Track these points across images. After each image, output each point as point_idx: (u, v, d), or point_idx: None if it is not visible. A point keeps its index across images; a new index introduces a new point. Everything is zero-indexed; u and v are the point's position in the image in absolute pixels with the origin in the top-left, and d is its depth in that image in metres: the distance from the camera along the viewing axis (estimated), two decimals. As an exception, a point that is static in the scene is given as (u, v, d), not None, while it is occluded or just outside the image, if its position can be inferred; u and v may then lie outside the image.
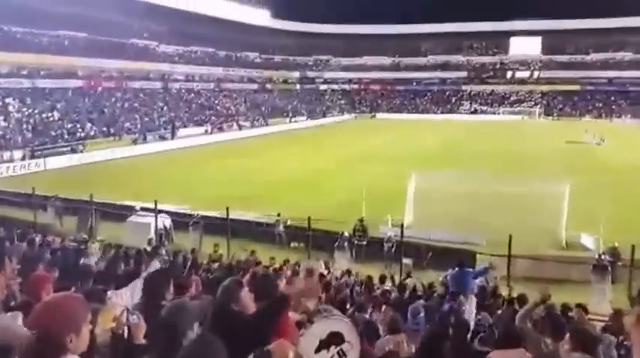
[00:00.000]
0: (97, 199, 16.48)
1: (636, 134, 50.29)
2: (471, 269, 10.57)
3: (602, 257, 12.64)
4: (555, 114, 74.36)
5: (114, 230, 15.39)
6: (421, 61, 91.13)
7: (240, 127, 55.65)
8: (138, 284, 4.60)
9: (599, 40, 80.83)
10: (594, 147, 39.70)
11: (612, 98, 76.39)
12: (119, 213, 16.62)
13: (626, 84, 76.86)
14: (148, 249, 11.19)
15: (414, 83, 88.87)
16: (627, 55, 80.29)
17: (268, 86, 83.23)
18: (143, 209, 16.15)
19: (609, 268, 12.21)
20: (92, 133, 42.11)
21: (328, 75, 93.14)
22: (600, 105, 75.78)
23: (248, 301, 3.07)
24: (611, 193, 22.12)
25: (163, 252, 10.85)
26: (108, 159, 33.78)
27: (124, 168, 30.79)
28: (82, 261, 8.04)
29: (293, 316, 3.47)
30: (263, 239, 15.51)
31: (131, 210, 16.62)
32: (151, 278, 4.06)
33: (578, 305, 7.30)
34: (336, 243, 14.29)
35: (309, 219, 13.87)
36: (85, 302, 2.23)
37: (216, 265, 10.70)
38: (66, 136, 38.72)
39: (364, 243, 14.96)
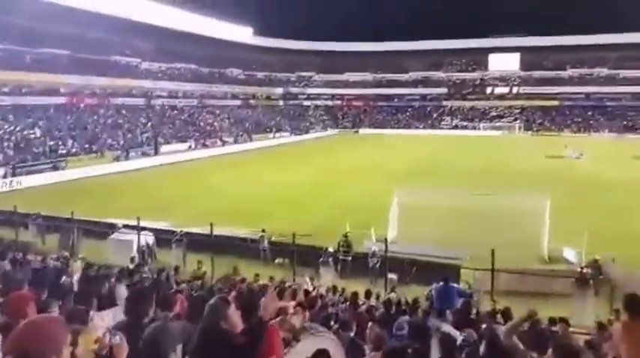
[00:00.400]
0: (78, 217, 16.25)
1: (614, 148, 51.39)
2: (455, 285, 10.62)
3: (584, 270, 12.72)
4: (535, 129, 75.69)
5: (96, 248, 15.16)
6: (402, 77, 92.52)
7: (223, 143, 55.56)
8: (121, 303, 4.54)
9: (575, 57, 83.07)
10: (574, 162, 40.36)
11: (590, 113, 78.18)
12: (101, 231, 16.41)
13: (603, 99, 78.89)
14: (131, 267, 11.02)
15: (396, 99, 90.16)
16: (603, 71, 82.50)
17: (252, 102, 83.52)
18: (125, 226, 15.92)
19: (591, 281, 12.28)
20: (74, 150, 41.66)
21: (311, 91, 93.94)
22: (578, 120, 77.40)
23: (236, 319, 3.05)
24: (591, 207, 22.52)
25: (146, 270, 10.69)
26: (90, 177, 33.34)
27: (107, 186, 30.44)
28: (63, 280, 7.88)
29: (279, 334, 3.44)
30: (247, 255, 15.37)
31: (113, 227, 16.39)
32: (134, 297, 4.01)
33: (561, 319, 7.37)
34: (321, 259, 14.22)
35: (293, 234, 13.82)
36: (65, 324, 2.20)
37: (199, 283, 10.57)
38: (48, 153, 38.28)
39: (349, 258, 14.92)
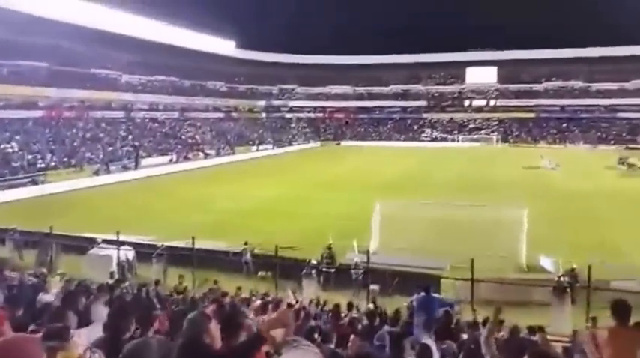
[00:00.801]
0: (57, 231, 16.00)
1: (588, 159, 52.50)
2: (437, 295, 10.71)
3: (562, 278, 12.88)
4: (512, 141, 76.85)
5: (75, 263, 14.90)
6: (383, 90, 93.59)
7: (206, 156, 55.23)
8: (98, 321, 4.49)
9: (550, 70, 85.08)
10: (550, 172, 41.07)
11: (565, 125, 79.88)
12: (80, 246, 16.11)
13: (577, 111, 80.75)
14: (110, 282, 10.86)
15: (377, 111, 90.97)
16: (577, 84, 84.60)
17: (234, 115, 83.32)
18: (105, 241, 15.70)
19: (568, 289, 12.43)
20: (53, 164, 40.86)
21: (293, 103, 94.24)
22: (554, 131, 79.00)
23: (216, 334, 3.04)
24: (566, 216, 23.00)
25: (126, 285, 10.55)
26: (69, 191, 32.83)
27: (86, 200, 29.99)
28: (40, 297, 7.74)
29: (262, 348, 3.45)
30: (230, 268, 15.26)
31: (93, 242, 16.10)
32: (114, 314, 3.98)
33: (540, 328, 7.51)
34: (304, 271, 14.19)
35: (276, 247, 13.82)
36: (41, 343, 2.18)
37: (181, 297, 10.46)
38: (26, 168, 37.50)
39: (332, 270, 14.91)
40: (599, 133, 75.22)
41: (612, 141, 70.55)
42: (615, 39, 76.24)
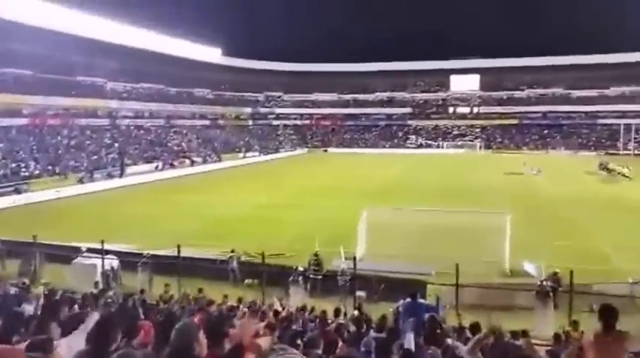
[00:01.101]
0: (41, 241, 15.81)
1: (569, 165, 53.39)
2: (422, 301, 10.79)
3: (544, 283, 12.99)
4: (495, 147, 77.88)
5: (59, 273, 14.72)
6: (369, 97, 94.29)
7: (192, 163, 54.93)
8: (82, 332, 4.46)
9: (532, 77, 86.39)
10: (532, 178, 41.62)
11: (546, 131, 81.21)
12: (64, 255, 15.90)
13: (559, 118, 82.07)
14: (94, 291, 10.75)
15: (363, 118, 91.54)
16: (558, 91, 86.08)
17: (220, 122, 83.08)
18: (89, 250, 15.55)
19: (551, 294, 12.56)
20: (37, 172, 40.38)
21: (280, 111, 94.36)
22: (536, 138, 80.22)
23: (204, 343, 3.03)
24: (549, 221, 23.36)
25: (111, 294, 10.45)
26: (53, 199, 32.46)
27: (70, 208, 29.71)
28: (22, 307, 7.63)
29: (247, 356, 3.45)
30: (216, 276, 15.20)
31: (77, 251, 15.93)
32: (98, 324, 3.95)
33: (523, 332, 7.60)
34: (291, 278, 14.20)
35: (263, 254, 13.80)
36: (24, 354, 2.16)
37: (166, 306, 10.39)
38: (9, 176, 36.98)
39: (319, 277, 14.92)
40: (579, 139, 76.62)
41: (593, 147, 71.87)
42: (595, 47, 78.02)
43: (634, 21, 77.09)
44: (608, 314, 4.14)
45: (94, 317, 5.80)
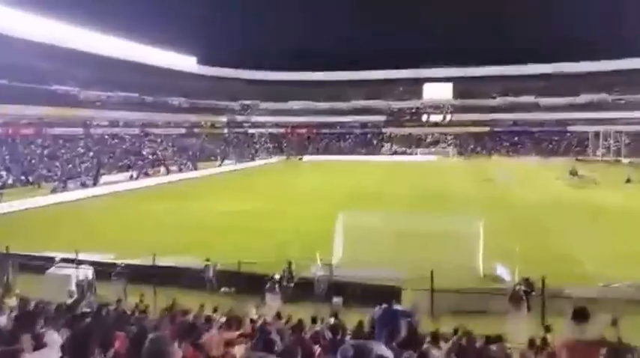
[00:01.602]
0: (14, 251, 15.52)
1: (541, 171, 54.57)
2: (398, 307, 10.89)
3: (517, 287, 13.21)
4: (467, 154, 79.29)
5: (32, 283, 14.35)
6: (344, 105, 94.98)
7: (168, 172, 54.31)
8: (56, 344, 4.40)
9: (503, 86, 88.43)
10: (504, 185, 42.13)
11: (517, 138, 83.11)
12: (38, 265, 15.55)
13: (530, 125, 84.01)
14: (69, 302, 10.54)
15: (338, 126, 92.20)
16: (529, 99, 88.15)
17: (196, 130, 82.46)
18: (64, 260, 15.30)
19: (524, 298, 12.78)
20: (10, 182, 39.62)
21: (256, 119, 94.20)
22: (507, 144, 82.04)
23: (178, 354, 3.04)
24: (521, 226, 23.82)
25: (85, 305, 10.24)
26: (26, 209, 31.79)
27: (44, 218, 29.18)
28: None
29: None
30: (192, 285, 15.07)
31: (51, 261, 15.62)
32: (73, 336, 3.91)
33: (497, 336, 7.74)
34: (267, 286, 14.20)
35: (239, 262, 13.75)
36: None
37: (141, 316, 10.24)
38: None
39: (292, 285, 14.99)
40: (550, 146, 78.69)
41: (563, 154, 73.77)
42: (564, 56, 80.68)
43: (601, 31, 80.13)
44: (580, 317, 4.24)
45: (63, 329, 5.71)
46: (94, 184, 42.59)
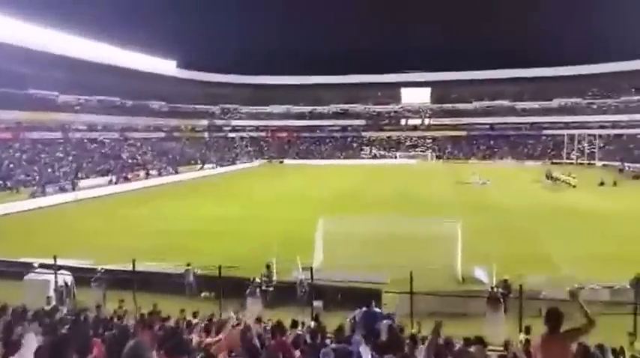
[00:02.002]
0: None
1: (517, 174, 55.55)
2: (378, 310, 10.98)
3: (495, 289, 13.38)
4: (445, 158, 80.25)
5: (10, 289, 14.05)
6: (324, 109, 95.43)
7: (147, 176, 53.67)
8: (27, 350, 4.36)
9: (479, 90, 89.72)
10: (481, 188, 42.97)
11: (494, 142, 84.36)
12: (16, 271, 15.31)
13: (505, 129, 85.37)
14: (47, 308, 10.38)
15: (318, 130, 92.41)
16: (505, 103, 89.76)
17: (176, 134, 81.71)
18: (42, 266, 15.05)
19: (501, 300, 12.90)
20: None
21: (236, 123, 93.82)
22: (484, 148, 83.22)
23: None
24: (497, 229, 24.22)
25: (64, 311, 10.10)
26: (4, 214, 31.19)
27: (22, 223, 28.76)
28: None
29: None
30: (173, 290, 14.98)
31: (29, 267, 15.38)
32: (51, 342, 3.89)
33: (476, 338, 7.86)
34: (248, 290, 14.15)
35: (219, 267, 13.68)
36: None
37: (120, 323, 10.11)
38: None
39: (271, 288, 15.00)
40: (525, 149, 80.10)
41: (538, 157, 75.21)
42: (539, 61, 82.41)
43: (575, 35, 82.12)
44: (552, 318, 4.36)
45: (32, 337, 5.63)
46: (73, 189, 41.90)
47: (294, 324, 9.84)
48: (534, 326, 9.27)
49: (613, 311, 12.06)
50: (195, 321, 10.30)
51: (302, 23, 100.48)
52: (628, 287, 13.63)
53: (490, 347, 8.20)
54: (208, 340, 7.76)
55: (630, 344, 8.90)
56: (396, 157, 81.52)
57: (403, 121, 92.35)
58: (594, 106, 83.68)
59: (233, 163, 74.15)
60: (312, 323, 10.28)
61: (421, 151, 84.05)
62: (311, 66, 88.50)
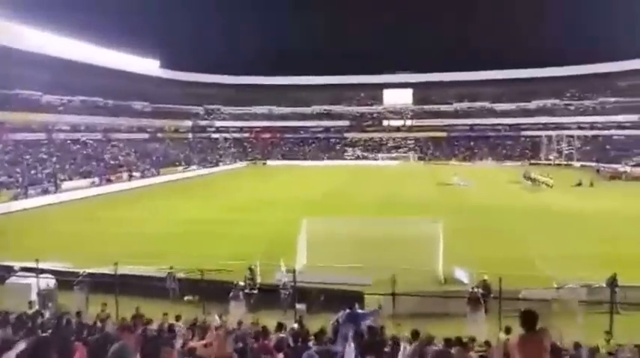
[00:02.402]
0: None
1: (496, 175, 56.39)
2: (360, 311, 11.08)
3: (475, 290, 13.57)
4: (427, 159, 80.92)
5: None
6: (307, 110, 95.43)
7: (130, 178, 53.07)
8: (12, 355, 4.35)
9: (459, 92, 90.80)
10: (462, 189, 43.48)
11: (473, 143, 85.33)
12: (-2, 275, 15.05)
13: (485, 130, 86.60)
14: (29, 312, 10.26)
15: (302, 131, 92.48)
16: (484, 105, 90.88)
17: (159, 135, 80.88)
18: (23, 269, 14.91)
19: (481, 301, 13.09)
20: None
21: (220, 124, 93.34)
22: (464, 149, 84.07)
23: None
24: (478, 229, 24.54)
25: (46, 315, 10.00)
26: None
27: (3, 226, 28.19)
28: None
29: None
30: (155, 294, 14.91)
31: (10, 270, 15.23)
32: (34, 347, 3.89)
33: (457, 339, 7.99)
34: (231, 293, 14.13)
35: (202, 270, 13.66)
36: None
37: (102, 326, 10.03)
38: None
39: (255, 291, 15.00)
40: (504, 150, 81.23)
41: (517, 158, 76.33)
42: (518, 62, 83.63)
43: (552, 38, 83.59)
44: (527, 319, 4.50)
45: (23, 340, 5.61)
46: (56, 191, 41.29)
47: (279, 327, 9.89)
48: (513, 326, 9.45)
49: (591, 310, 12.39)
50: (179, 325, 10.28)
51: (285, 24, 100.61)
52: (604, 286, 13.92)
53: (471, 347, 8.34)
54: (192, 343, 7.79)
55: (607, 342, 9.19)
56: (378, 159, 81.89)
57: (386, 122, 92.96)
58: (572, 108, 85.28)
59: (216, 164, 73.73)
60: (296, 326, 10.34)
61: (404, 152, 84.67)
62: (294, 67, 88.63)
